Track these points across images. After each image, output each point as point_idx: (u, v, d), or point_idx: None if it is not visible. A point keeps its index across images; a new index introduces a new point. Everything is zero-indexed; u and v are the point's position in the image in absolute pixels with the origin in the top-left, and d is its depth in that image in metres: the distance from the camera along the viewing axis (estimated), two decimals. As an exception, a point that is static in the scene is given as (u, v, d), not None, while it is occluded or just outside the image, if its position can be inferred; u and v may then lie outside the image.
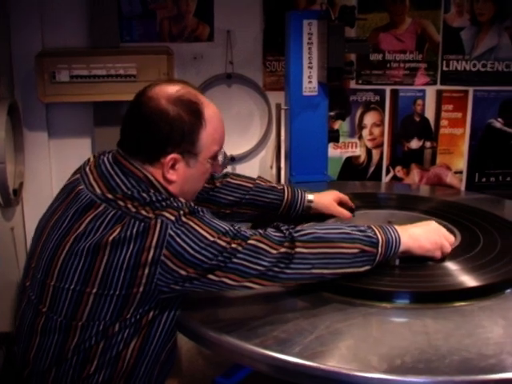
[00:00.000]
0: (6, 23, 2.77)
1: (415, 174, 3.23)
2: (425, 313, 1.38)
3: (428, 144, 3.22)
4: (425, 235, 1.57)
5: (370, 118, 3.14)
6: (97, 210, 1.37)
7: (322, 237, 1.42)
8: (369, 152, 3.17)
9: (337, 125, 3.01)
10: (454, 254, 1.62)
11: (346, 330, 1.31)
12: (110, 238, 1.32)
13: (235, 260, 1.35)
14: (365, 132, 3.15)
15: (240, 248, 1.35)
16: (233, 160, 3.00)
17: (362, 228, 1.48)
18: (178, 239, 1.32)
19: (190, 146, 1.44)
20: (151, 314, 1.40)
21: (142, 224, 1.33)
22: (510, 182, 3.31)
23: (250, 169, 3.05)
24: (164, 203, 1.38)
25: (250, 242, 1.37)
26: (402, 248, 1.51)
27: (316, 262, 1.39)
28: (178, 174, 1.45)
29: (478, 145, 3.26)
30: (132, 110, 1.48)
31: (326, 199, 1.91)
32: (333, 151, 3.06)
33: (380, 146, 3.18)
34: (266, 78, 3.04)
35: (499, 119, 3.23)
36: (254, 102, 3.04)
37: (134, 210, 1.35)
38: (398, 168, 3.21)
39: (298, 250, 1.38)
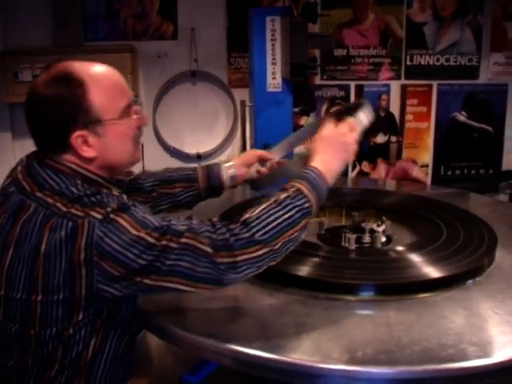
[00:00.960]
0: (-32, 23, 2.74)
1: (381, 169, 3.25)
2: (388, 305, 1.39)
3: (394, 138, 3.24)
4: (335, 156, 1.47)
5: (335, 114, 3.15)
6: (28, 212, 1.32)
7: (260, 240, 1.30)
8: (335, 147, 3.18)
9: (302, 121, 3.02)
10: (418, 246, 1.64)
11: (308, 323, 1.31)
12: (43, 244, 1.28)
13: (169, 259, 1.27)
14: (330, 127, 3.16)
15: (172, 245, 1.27)
16: (199, 158, 3.00)
17: (294, 201, 1.34)
18: (105, 239, 1.26)
19: (86, 115, 1.34)
20: (104, 312, 1.37)
21: (71, 223, 1.28)
22: (475, 175, 3.35)
23: (216, 166, 3.05)
24: (93, 198, 1.31)
25: (182, 240, 1.28)
26: (327, 188, 1.42)
27: (262, 262, 1.32)
28: (93, 149, 1.36)
29: (443, 138, 3.30)
30: (25, 110, 1.39)
31: (244, 157, 1.82)
32: (298, 147, 3.05)
33: (345, 141, 3.18)
34: (231, 75, 3.04)
35: (463, 112, 3.26)
36: (220, 99, 3.04)
37: (63, 208, 1.30)
38: (365, 163, 3.23)
39: (239, 258, 1.28)
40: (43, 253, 1.28)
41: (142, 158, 2.68)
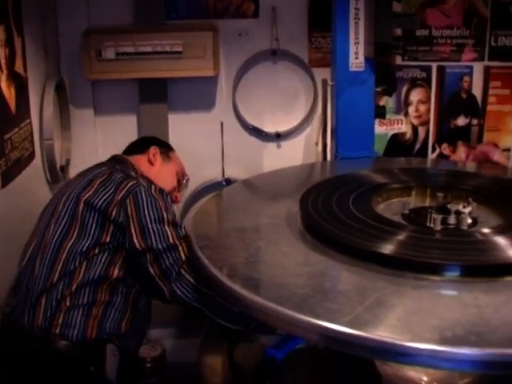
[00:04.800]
0: (53, 1, 2.79)
1: (462, 152, 3.18)
2: (476, 286, 1.36)
3: (475, 121, 3.17)
4: None
5: (416, 95, 3.10)
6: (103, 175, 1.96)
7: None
8: (415, 129, 3.13)
9: (383, 101, 2.98)
10: (506, 229, 1.61)
11: (396, 302, 1.30)
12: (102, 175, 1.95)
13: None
14: (411, 109, 3.11)
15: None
16: (278, 137, 3.00)
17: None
18: (143, 196, 1.82)
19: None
20: (124, 252, 1.83)
21: (124, 176, 1.93)
22: (559, 160, 3.26)
23: (294, 146, 3.04)
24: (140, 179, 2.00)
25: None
26: None
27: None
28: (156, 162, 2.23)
29: (526, 122, 3.21)
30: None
31: None
32: (378, 128, 3.03)
33: (426, 123, 3.14)
34: (312, 55, 3.01)
35: (548, 96, 3.17)
36: (300, 78, 3.02)
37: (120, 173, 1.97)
38: (444, 145, 3.17)
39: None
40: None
41: (222, 136, 2.75)
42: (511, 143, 3.22)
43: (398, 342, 1.17)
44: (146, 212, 1.79)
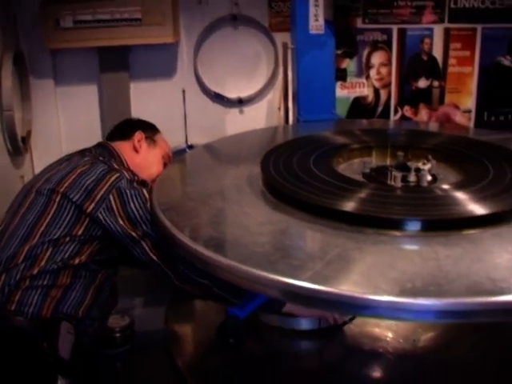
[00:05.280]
0: (8, -29, 2.74)
1: (423, 114, 3.21)
2: (435, 240, 1.38)
3: (436, 83, 3.20)
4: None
5: (377, 58, 3.11)
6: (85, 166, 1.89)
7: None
8: (376, 92, 3.15)
9: (344, 64, 2.99)
10: (465, 185, 1.63)
11: (357, 257, 1.31)
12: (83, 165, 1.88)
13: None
14: (372, 72, 3.12)
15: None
16: (240, 102, 2.99)
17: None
18: (126, 190, 1.79)
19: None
20: (96, 243, 1.81)
21: (106, 168, 1.87)
22: (520, 121, 3.30)
23: (257, 111, 3.05)
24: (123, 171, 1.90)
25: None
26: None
27: None
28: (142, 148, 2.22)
29: (487, 83, 3.23)
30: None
31: None
32: (340, 92, 3.04)
33: (388, 85, 3.15)
34: (272, 19, 3.00)
35: (508, 57, 3.19)
36: (261, 43, 3.01)
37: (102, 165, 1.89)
38: (406, 108, 3.20)
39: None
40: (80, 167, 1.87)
41: (184, 103, 2.74)
42: (472, 104, 3.25)
43: (358, 295, 1.18)
44: (132, 204, 1.77)
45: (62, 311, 1.74)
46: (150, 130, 2.32)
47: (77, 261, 1.78)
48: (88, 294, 1.81)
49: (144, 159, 2.20)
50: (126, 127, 2.31)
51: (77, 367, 1.70)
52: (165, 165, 2.28)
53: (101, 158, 1.99)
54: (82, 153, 2.05)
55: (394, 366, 1.80)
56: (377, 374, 1.80)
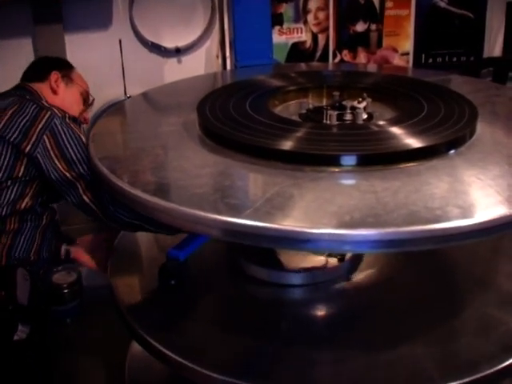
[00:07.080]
0: None
1: (362, 57, 3.22)
2: (373, 174, 1.41)
3: (373, 26, 3.20)
4: None
5: (314, 2, 3.09)
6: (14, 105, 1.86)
7: None
8: (315, 37, 3.14)
9: (281, 9, 2.97)
10: (400, 120, 1.65)
11: (295, 193, 1.33)
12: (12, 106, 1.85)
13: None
14: (310, 17, 3.11)
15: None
16: (178, 52, 2.96)
17: None
18: (60, 130, 1.78)
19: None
20: (36, 184, 1.82)
21: (36, 105, 1.84)
22: (456, 63, 3.33)
23: (195, 60, 3.00)
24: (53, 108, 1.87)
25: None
26: None
27: None
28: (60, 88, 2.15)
29: (424, 26, 3.25)
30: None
31: None
32: (278, 37, 3.02)
33: (325, 30, 3.14)
34: (208, -35, 2.96)
35: (443, -1, 3.22)
36: (197, -10, 2.97)
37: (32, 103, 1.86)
38: (345, 52, 3.20)
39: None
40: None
41: (121, 54, 2.68)
42: (410, 47, 3.27)
43: (297, 229, 1.20)
44: (67, 143, 1.76)
45: (14, 256, 1.76)
46: (64, 68, 2.24)
47: (23, 205, 1.79)
48: (36, 237, 1.84)
49: (63, 100, 2.13)
50: (40, 67, 2.22)
51: (35, 314, 1.71)
52: (84, 101, 2.25)
53: (27, 97, 1.95)
54: (4, 95, 1.99)
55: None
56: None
